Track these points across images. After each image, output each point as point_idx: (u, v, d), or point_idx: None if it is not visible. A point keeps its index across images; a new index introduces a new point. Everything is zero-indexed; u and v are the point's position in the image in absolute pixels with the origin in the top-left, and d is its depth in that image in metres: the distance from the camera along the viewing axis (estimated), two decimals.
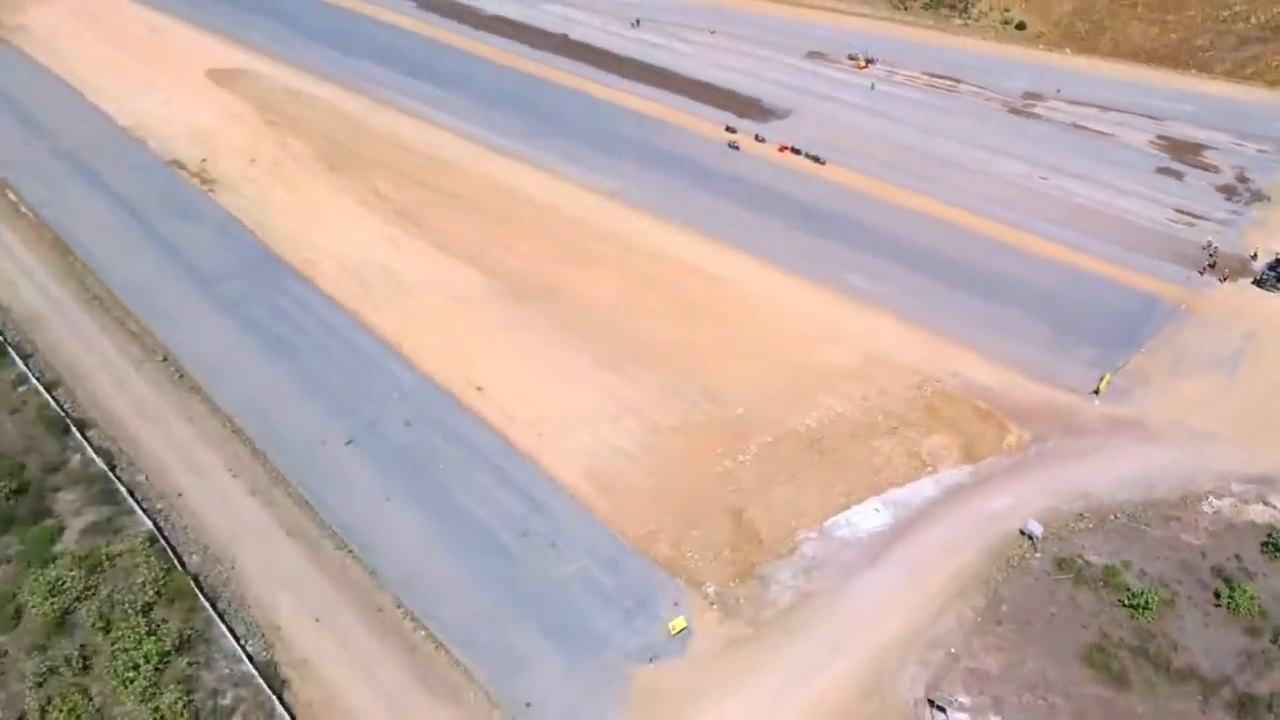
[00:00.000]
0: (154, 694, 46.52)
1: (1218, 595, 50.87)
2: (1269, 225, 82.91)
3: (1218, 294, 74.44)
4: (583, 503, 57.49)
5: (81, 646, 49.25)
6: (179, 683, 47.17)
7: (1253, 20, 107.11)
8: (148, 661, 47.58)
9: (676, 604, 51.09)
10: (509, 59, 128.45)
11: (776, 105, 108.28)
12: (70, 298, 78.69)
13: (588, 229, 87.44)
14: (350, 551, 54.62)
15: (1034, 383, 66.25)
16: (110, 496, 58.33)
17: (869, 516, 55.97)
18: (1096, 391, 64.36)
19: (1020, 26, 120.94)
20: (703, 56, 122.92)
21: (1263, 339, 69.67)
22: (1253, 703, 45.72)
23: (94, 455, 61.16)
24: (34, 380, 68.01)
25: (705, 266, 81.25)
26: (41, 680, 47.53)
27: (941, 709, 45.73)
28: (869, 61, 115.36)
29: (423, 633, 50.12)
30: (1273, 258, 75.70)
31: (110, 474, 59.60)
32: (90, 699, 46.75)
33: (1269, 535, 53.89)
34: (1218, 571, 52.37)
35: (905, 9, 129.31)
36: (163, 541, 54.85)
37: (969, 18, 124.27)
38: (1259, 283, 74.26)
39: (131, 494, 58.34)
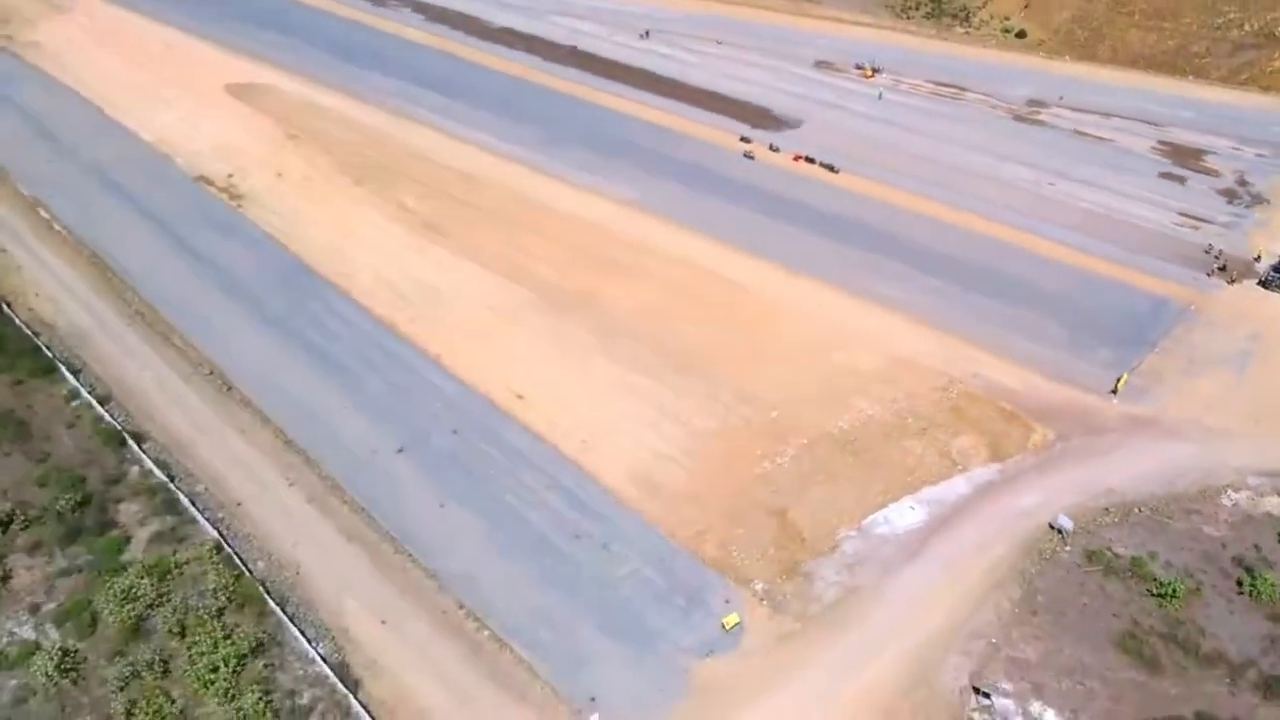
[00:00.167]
0: (235, 695, 48.58)
1: (1240, 583, 53.63)
2: (1271, 228, 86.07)
3: (1225, 295, 77.46)
4: (631, 506, 59.84)
5: (159, 651, 51.23)
6: (257, 684, 49.21)
7: (1246, 28, 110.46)
8: (226, 664, 49.58)
9: (727, 601, 53.49)
10: (520, 70, 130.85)
11: (788, 115, 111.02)
12: (113, 313, 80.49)
13: (610, 237, 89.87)
14: (410, 556, 56.79)
15: (1054, 383, 69.04)
16: (172, 507, 60.35)
17: (905, 514, 58.56)
18: (1114, 391, 67.17)
19: (1020, 34, 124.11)
20: (712, 67, 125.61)
21: (1269, 338, 72.67)
22: (1278, 684, 48.42)
23: (153, 467, 63.16)
24: (86, 395, 69.88)
25: (728, 273, 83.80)
26: (124, 684, 49.48)
27: (986, 695, 48.26)
28: (875, 71, 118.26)
29: (486, 632, 52.32)
30: (1277, 259, 78.74)
31: (171, 485, 61.58)
32: (173, 701, 48.77)
33: None
34: (1238, 561, 55.15)
35: (908, 18, 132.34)
36: (228, 549, 56.88)
37: (970, 26, 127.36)
38: (1264, 284, 77.31)
39: (193, 504, 60.37)
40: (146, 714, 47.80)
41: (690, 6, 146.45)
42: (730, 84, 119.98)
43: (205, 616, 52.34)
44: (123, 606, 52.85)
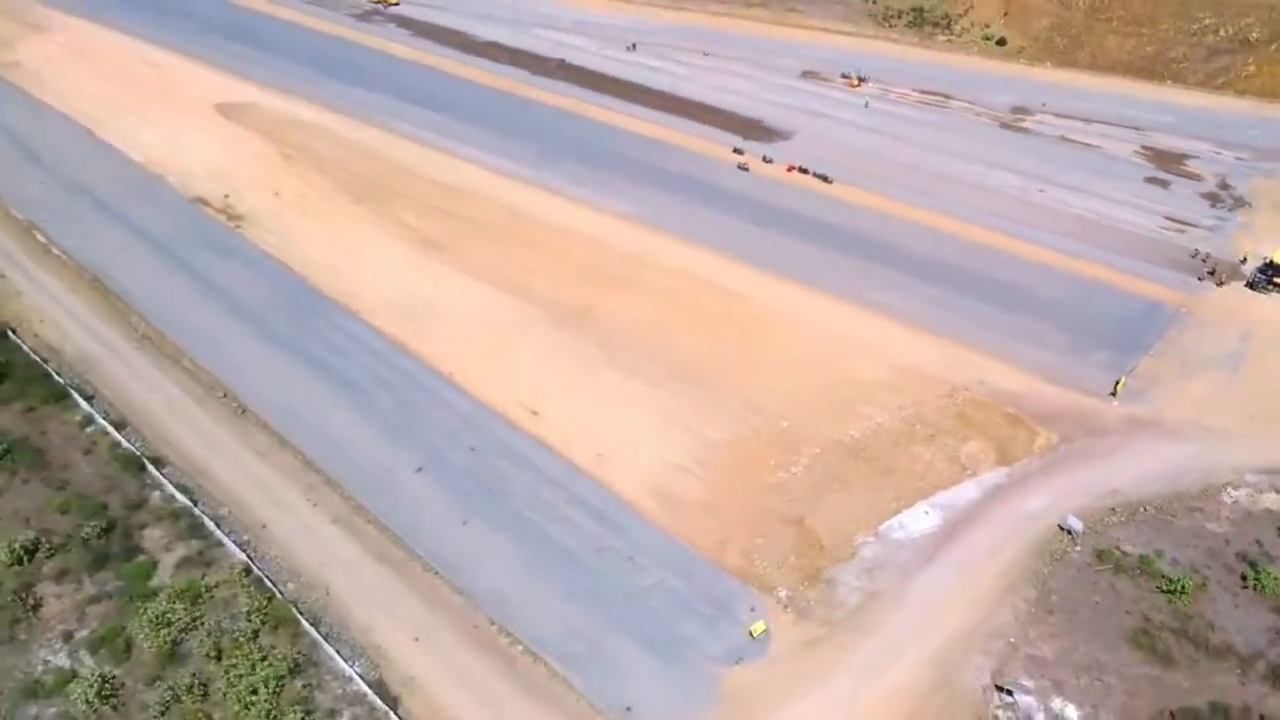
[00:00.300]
0: (276, 716, 49.23)
1: (1244, 578, 55.68)
2: (1254, 230, 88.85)
3: (1214, 297, 79.96)
4: (651, 518, 61.09)
5: (197, 674, 51.79)
6: (297, 704, 49.91)
7: (1221, 33, 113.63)
8: (265, 686, 50.24)
9: (753, 609, 54.86)
10: (509, 84, 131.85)
11: (778, 126, 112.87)
12: (120, 338, 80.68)
13: (610, 251, 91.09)
14: (438, 573, 57.71)
15: (1055, 386, 71.09)
16: (197, 531, 60.89)
17: (919, 519, 60.23)
18: (1114, 393, 69.29)
19: (1001, 42, 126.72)
20: (700, 79, 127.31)
21: (1259, 339, 75.18)
22: None
23: (175, 492, 63.65)
24: (101, 420, 70.18)
25: (728, 284, 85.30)
26: (165, 709, 50.07)
27: (1009, 693, 49.93)
28: (862, 80, 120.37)
29: (519, 647, 53.33)
30: (1262, 261, 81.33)
31: (195, 509, 62.13)
32: None
33: None
34: (1242, 556, 57.25)
35: (890, 26, 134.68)
36: (258, 571, 57.56)
37: (952, 34, 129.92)
38: (1251, 285, 79.91)
39: (218, 527, 60.96)
40: None
41: (674, 18, 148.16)
42: (719, 95, 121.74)
43: (241, 639, 52.98)
44: (157, 631, 53.35)
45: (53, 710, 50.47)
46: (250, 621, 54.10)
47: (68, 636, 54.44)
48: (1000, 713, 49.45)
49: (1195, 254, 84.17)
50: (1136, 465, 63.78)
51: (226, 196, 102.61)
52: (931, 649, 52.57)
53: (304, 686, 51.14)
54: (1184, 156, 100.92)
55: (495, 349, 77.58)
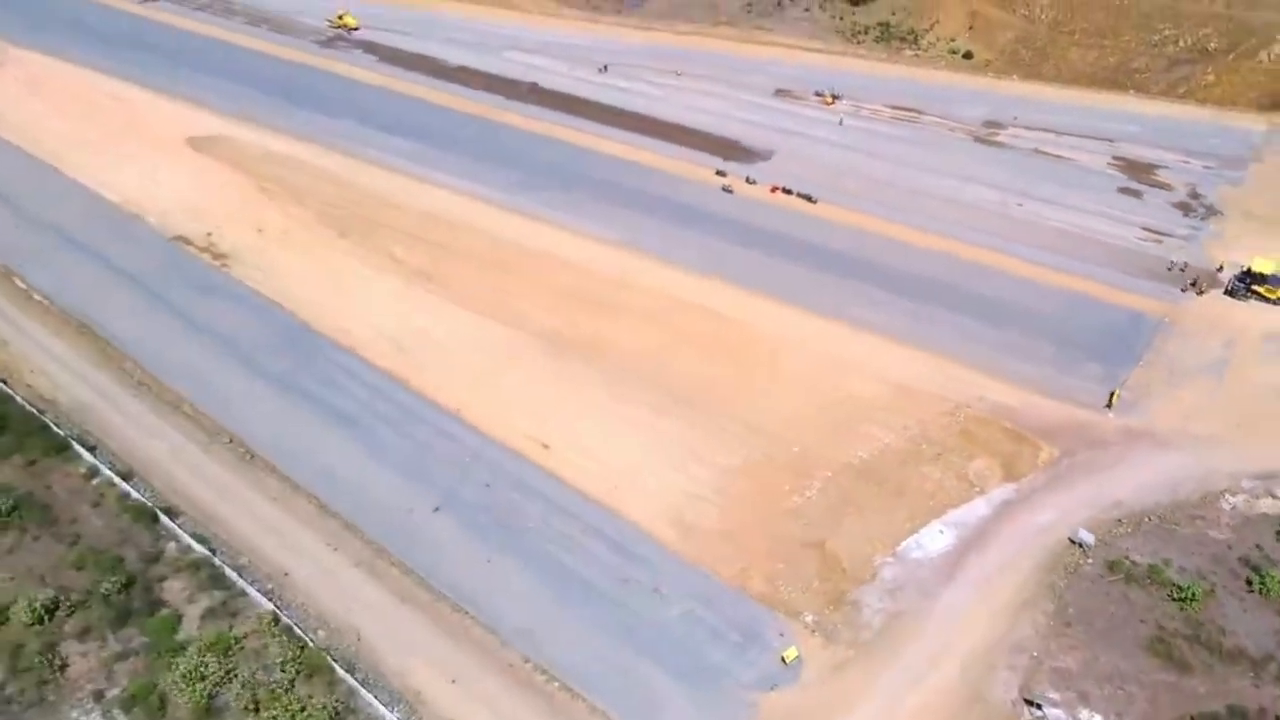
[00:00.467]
0: None
1: (1249, 582, 57.95)
2: (1226, 238, 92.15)
3: (1195, 306, 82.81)
4: (671, 547, 61.95)
5: None
6: None
7: (1181, 43, 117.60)
8: None
9: (782, 634, 55.93)
10: (482, 110, 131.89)
11: (757, 146, 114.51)
12: (115, 385, 79.63)
13: (599, 278, 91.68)
14: (467, 613, 58.04)
15: (1050, 400, 73.19)
16: (218, 581, 60.55)
17: (935, 538, 61.79)
18: (1109, 405, 71.52)
19: (967, 55, 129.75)
20: (674, 99, 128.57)
21: (1241, 346, 78.06)
22: None
23: (191, 542, 63.21)
24: (107, 471, 69.38)
25: (720, 308, 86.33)
26: None
27: (1038, 706, 51.53)
28: (835, 97, 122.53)
29: (556, 684, 53.84)
30: (1239, 269, 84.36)
31: (215, 559, 61.79)
32: None
33: None
34: (1245, 561, 59.56)
35: (858, 42, 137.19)
36: (286, 620, 57.43)
37: (919, 49, 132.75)
38: (1230, 293, 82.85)
39: (240, 576, 60.70)
40: None
41: (642, 38, 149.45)
42: (695, 116, 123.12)
43: (278, 690, 52.96)
44: (192, 686, 53.09)
45: None
46: (285, 671, 54.04)
47: (98, 696, 53.99)
48: None
49: (1173, 266, 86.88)
50: (1137, 476, 65.97)
51: (209, 234, 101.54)
52: (959, 666, 54.01)
53: None
54: (1154, 166, 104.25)
55: (497, 381, 77.94)
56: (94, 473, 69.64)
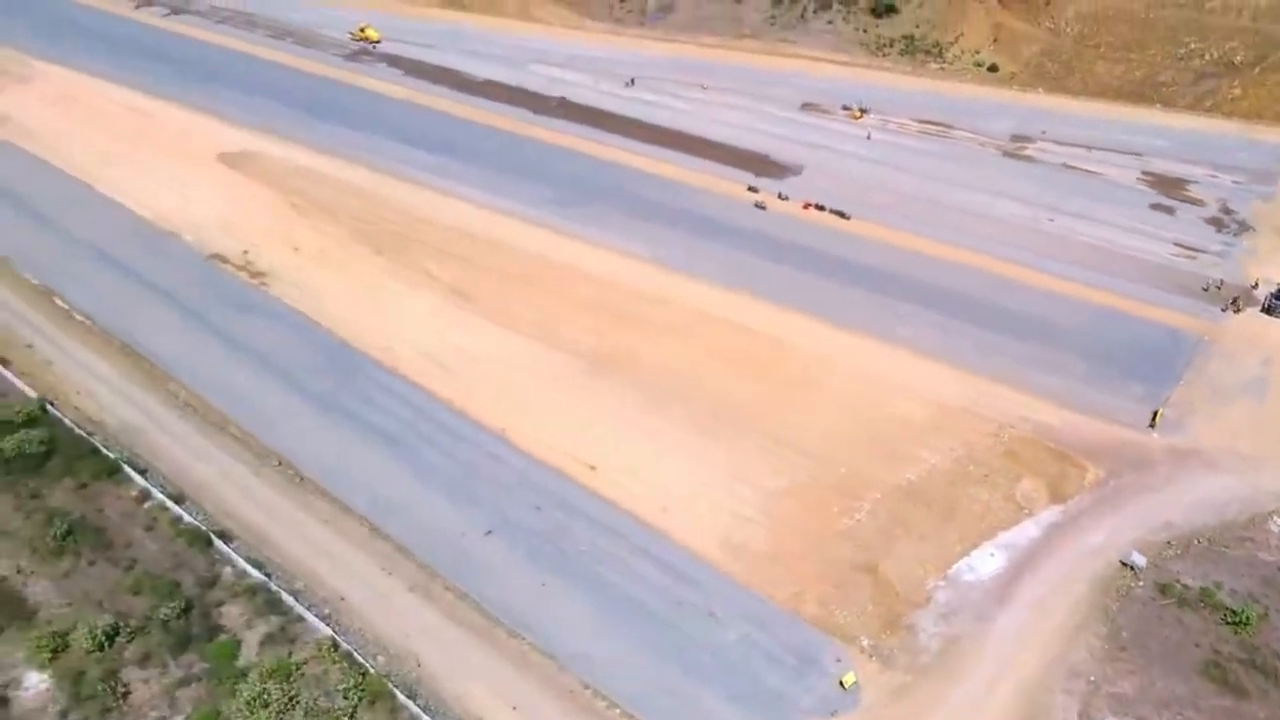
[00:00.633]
0: None
1: None
2: (1260, 254, 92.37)
3: (1233, 324, 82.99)
4: (724, 570, 62.41)
5: None
6: None
7: (1207, 57, 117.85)
8: None
9: (839, 660, 56.34)
10: (511, 124, 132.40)
11: (786, 160, 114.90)
12: (161, 406, 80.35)
13: (635, 295, 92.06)
14: (524, 639, 58.50)
15: (1092, 420, 73.47)
16: (275, 606, 61.12)
17: (987, 561, 62.16)
18: (1152, 425, 71.80)
19: (993, 69, 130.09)
20: (702, 114, 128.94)
21: None
22: None
23: (247, 566, 63.81)
24: (159, 495, 70.01)
25: (759, 326, 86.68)
26: None
27: None
28: (863, 111, 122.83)
29: (617, 710, 54.32)
30: (1275, 286, 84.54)
31: (271, 584, 62.33)
32: None
33: None
34: None
35: (882, 55, 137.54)
36: (345, 646, 57.95)
37: (944, 61, 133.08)
38: (1268, 310, 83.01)
39: (297, 601, 61.22)
40: None
41: (666, 50, 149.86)
42: (724, 130, 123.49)
43: (341, 717, 53.53)
44: (255, 713, 53.72)
45: None
46: (347, 699, 54.66)
47: None
48: None
49: (1209, 285, 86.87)
50: (1184, 497, 66.27)
51: (245, 252, 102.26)
52: (1017, 691, 54.34)
53: None
54: (1184, 181, 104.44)
55: (538, 400, 78.46)
56: (146, 496, 70.31)
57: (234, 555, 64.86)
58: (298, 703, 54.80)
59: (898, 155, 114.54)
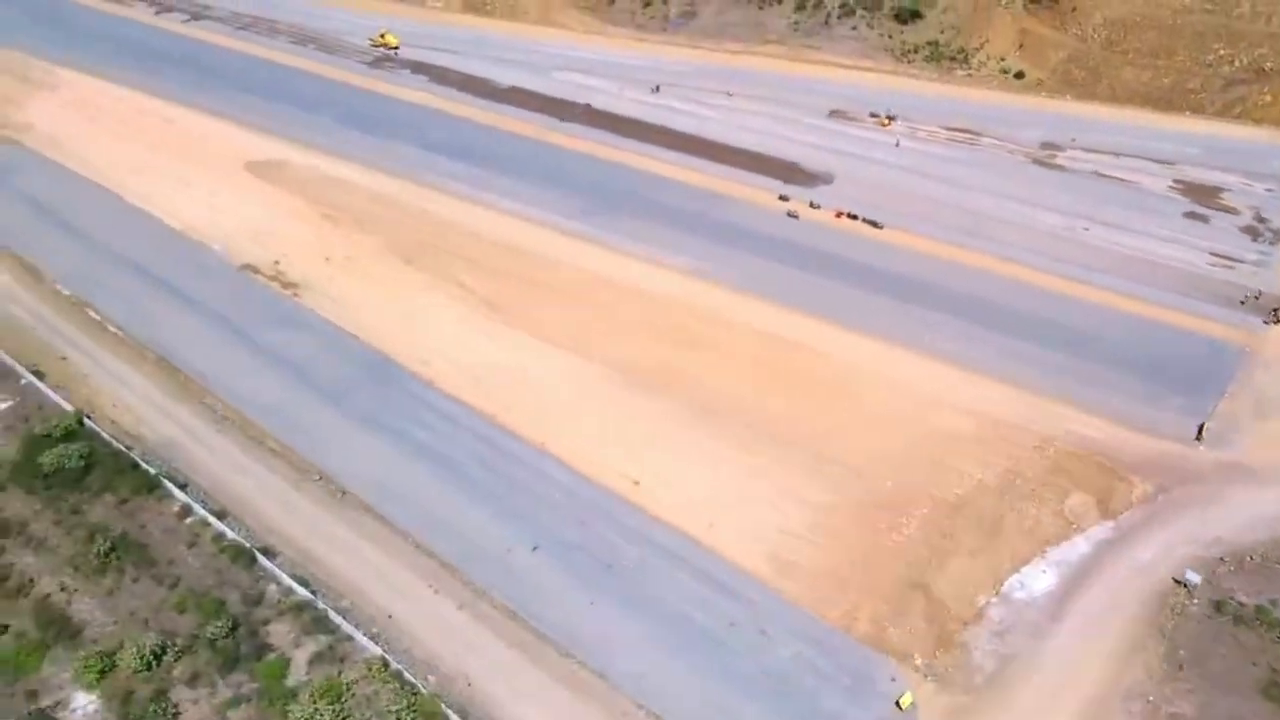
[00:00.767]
0: None
1: None
2: None
3: (1274, 335, 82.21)
4: (774, 588, 62.06)
5: None
6: None
7: (1236, 63, 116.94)
8: None
9: (893, 679, 55.96)
10: (537, 131, 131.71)
11: (816, 168, 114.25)
12: (198, 420, 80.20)
13: (671, 307, 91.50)
14: (575, 658, 58.18)
15: (1137, 434, 72.81)
16: (322, 624, 60.93)
17: (1038, 577, 61.69)
18: (1198, 438, 71.21)
19: (1019, 75, 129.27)
20: (729, 120, 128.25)
21: None
22: None
23: (293, 583, 63.61)
24: (201, 511, 69.85)
25: (798, 338, 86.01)
26: None
27: None
28: (891, 119, 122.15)
29: None
30: None
31: (318, 602, 62.09)
32: None
33: None
34: None
35: (908, 61, 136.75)
36: (395, 665, 57.67)
37: (970, 68, 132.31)
38: None
39: (345, 619, 60.96)
40: None
41: (691, 57, 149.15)
42: (752, 137, 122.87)
43: None
44: None
45: None
46: (402, 719, 54.25)
47: None
48: None
49: (1248, 297, 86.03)
50: (1234, 512, 65.68)
51: (276, 262, 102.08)
52: (1075, 711, 53.94)
53: None
54: (1217, 190, 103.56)
55: (578, 414, 78.13)
56: (187, 511, 70.21)
57: (278, 572, 64.68)
58: None
59: (927, 163, 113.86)
